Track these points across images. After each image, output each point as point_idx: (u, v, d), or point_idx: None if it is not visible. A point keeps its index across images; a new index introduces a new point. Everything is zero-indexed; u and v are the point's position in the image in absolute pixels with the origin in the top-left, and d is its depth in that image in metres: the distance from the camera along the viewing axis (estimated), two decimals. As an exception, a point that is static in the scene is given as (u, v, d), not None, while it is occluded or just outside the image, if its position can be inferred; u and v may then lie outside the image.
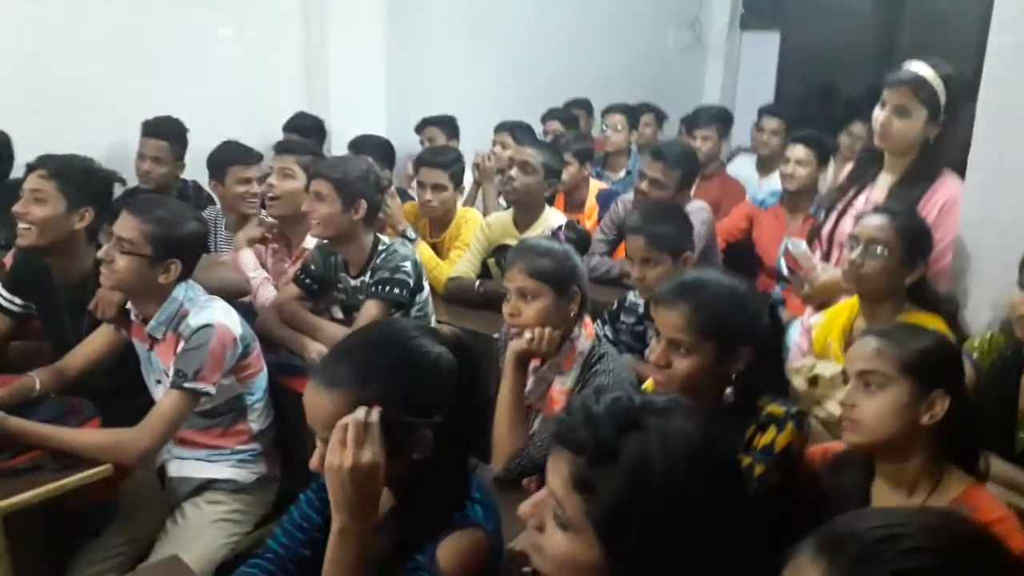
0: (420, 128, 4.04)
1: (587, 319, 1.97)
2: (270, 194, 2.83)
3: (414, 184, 4.03)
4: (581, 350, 1.89)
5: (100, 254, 1.99)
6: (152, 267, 1.97)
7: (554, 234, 2.58)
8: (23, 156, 2.87)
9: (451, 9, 4.59)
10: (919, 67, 2.26)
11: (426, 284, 2.59)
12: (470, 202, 3.75)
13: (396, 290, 2.42)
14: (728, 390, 1.62)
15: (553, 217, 3.01)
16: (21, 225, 2.19)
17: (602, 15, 5.37)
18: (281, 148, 2.93)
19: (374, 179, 2.49)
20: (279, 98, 3.94)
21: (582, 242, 2.59)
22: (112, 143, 3.43)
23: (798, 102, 5.67)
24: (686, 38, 6.12)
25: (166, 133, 3.32)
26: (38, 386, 2.07)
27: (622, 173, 4.27)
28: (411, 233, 3.09)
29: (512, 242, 2.98)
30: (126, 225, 1.95)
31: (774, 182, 3.80)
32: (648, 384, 1.83)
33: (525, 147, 3.05)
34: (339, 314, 2.65)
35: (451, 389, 1.24)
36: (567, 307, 1.85)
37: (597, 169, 3.96)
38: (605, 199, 3.53)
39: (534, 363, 1.91)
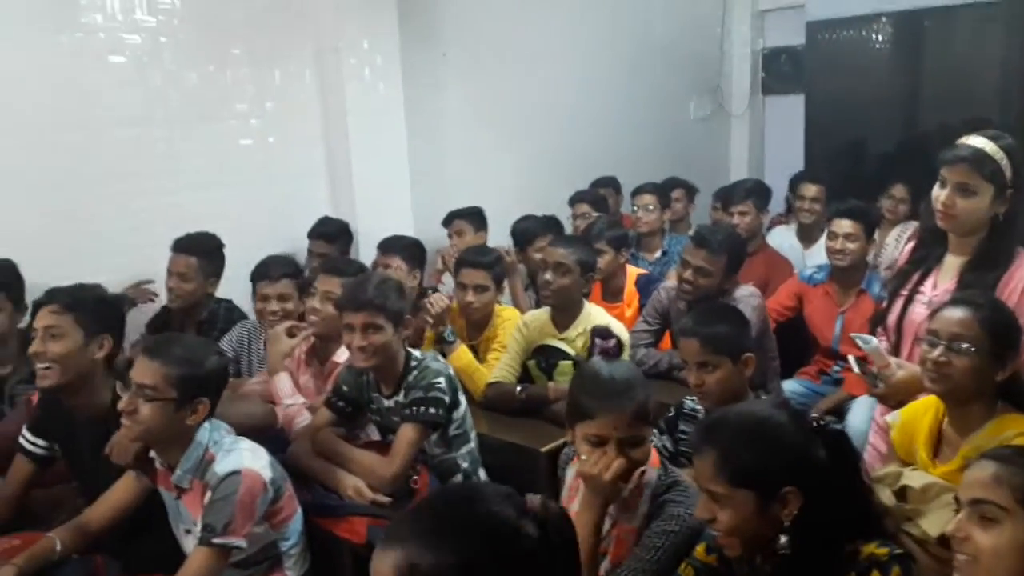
0: (447, 221, 3.95)
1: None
2: (312, 316, 2.70)
3: (443, 279, 3.96)
4: (648, 481, 1.71)
5: (121, 406, 1.87)
6: (178, 410, 1.87)
7: (603, 351, 2.43)
8: (46, 281, 2.83)
9: (467, 99, 4.56)
10: (978, 141, 2.10)
11: (462, 398, 2.45)
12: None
13: (432, 410, 2.28)
14: (783, 539, 1.41)
15: (594, 313, 2.86)
16: (40, 366, 2.10)
17: (622, 92, 5.33)
18: (326, 269, 2.82)
19: (395, 290, 2.38)
20: (304, 203, 3.89)
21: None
22: (140, 263, 3.38)
23: (828, 162, 5.54)
24: (708, 107, 6.06)
25: (194, 248, 3.25)
26: (59, 547, 1.94)
27: (658, 254, 4.13)
28: (449, 335, 2.96)
29: (552, 342, 2.85)
30: (146, 371, 1.85)
31: (819, 253, 3.63)
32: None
33: (557, 247, 2.93)
34: (375, 436, 2.51)
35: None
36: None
37: (631, 252, 3.82)
38: (644, 284, 3.39)
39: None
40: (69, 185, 3.23)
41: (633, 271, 3.52)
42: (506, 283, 3.61)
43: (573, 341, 2.82)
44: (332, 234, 3.68)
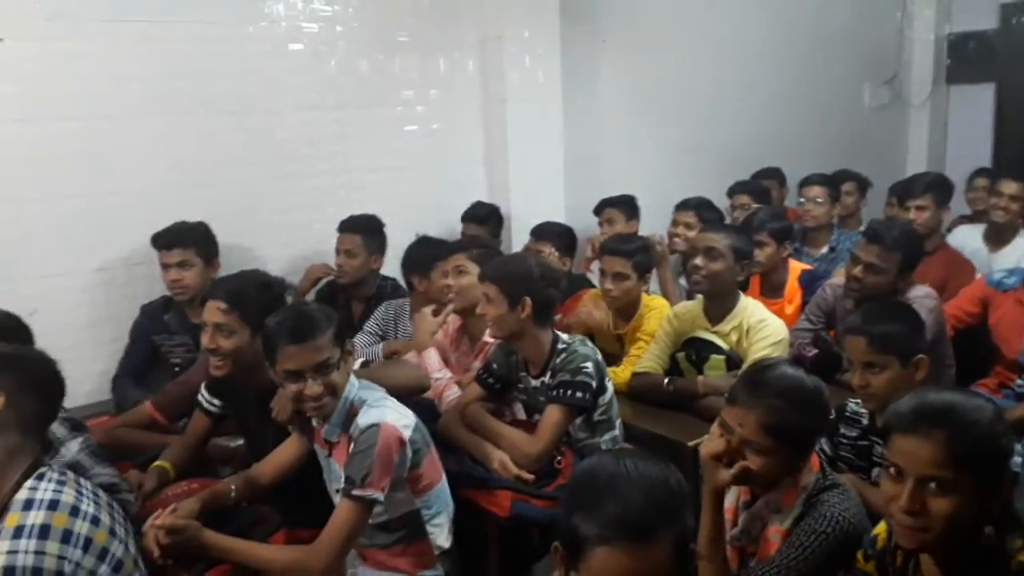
0: (599, 210, 3.92)
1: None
2: (449, 293, 2.81)
3: (591, 268, 3.94)
4: (804, 484, 1.63)
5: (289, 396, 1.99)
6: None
7: (799, 359, 2.31)
8: (234, 249, 3.08)
9: (627, 86, 4.51)
10: None
11: (609, 385, 2.43)
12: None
13: (579, 394, 2.28)
14: (987, 529, 1.33)
15: (751, 307, 2.74)
16: (212, 360, 2.24)
17: (790, 78, 5.09)
18: (454, 248, 2.96)
19: (540, 273, 2.40)
20: (462, 188, 4.00)
21: (832, 359, 2.22)
22: (309, 240, 3.60)
23: (1022, 158, 5.04)
24: (884, 96, 5.68)
25: (359, 228, 3.42)
26: (233, 493, 2.09)
27: (824, 249, 3.89)
28: None
29: (703, 335, 2.76)
30: (295, 359, 1.92)
31: (1009, 257, 3.30)
32: (880, 528, 1.54)
33: (708, 231, 2.83)
34: (521, 414, 2.55)
35: None
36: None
37: (795, 246, 3.62)
38: (808, 281, 3.20)
39: (743, 496, 1.68)
40: (249, 165, 3.48)
41: (796, 266, 3.34)
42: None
43: (727, 335, 2.71)
44: (483, 217, 3.77)
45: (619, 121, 4.48)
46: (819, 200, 3.90)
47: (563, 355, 2.34)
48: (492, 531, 2.15)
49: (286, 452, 2.15)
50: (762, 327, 2.64)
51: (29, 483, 1.58)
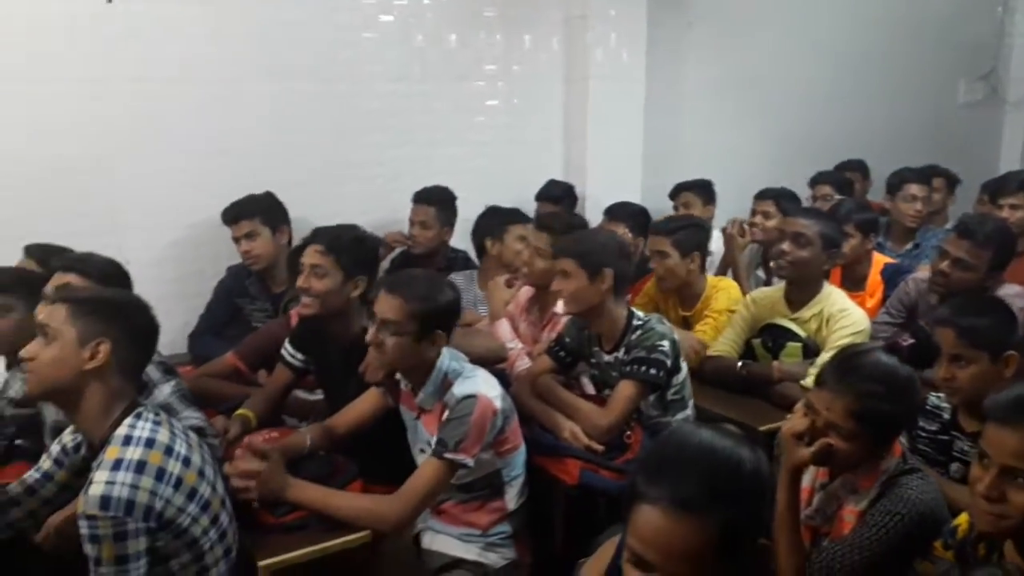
0: (674, 194, 3.89)
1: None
2: (524, 268, 2.85)
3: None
4: (885, 468, 1.61)
5: (368, 338, 2.05)
6: (418, 342, 2.01)
7: (894, 347, 2.26)
8: (312, 216, 3.16)
9: (712, 70, 4.45)
10: None
11: (684, 364, 2.42)
12: (721, 272, 3.52)
13: (653, 371, 2.28)
14: None
15: (834, 295, 2.69)
16: (304, 298, 2.35)
17: (882, 69, 4.94)
18: (538, 226, 2.95)
19: (617, 247, 2.40)
20: (539, 166, 4.02)
21: (928, 350, 2.17)
22: (386, 209, 3.67)
23: None
24: (979, 92, 5.46)
25: (434, 199, 3.48)
26: (308, 442, 2.17)
27: (908, 246, 3.78)
28: None
29: (782, 322, 2.72)
30: (389, 307, 1.99)
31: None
32: (962, 518, 1.51)
33: (798, 217, 2.78)
34: (590, 388, 2.56)
35: None
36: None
37: (878, 240, 3.53)
38: (891, 275, 3.13)
39: (820, 478, 1.66)
40: (335, 133, 3.57)
41: (880, 259, 3.26)
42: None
43: (806, 322, 2.67)
44: (557, 196, 3.78)
45: (701, 105, 4.43)
46: (918, 197, 3.76)
47: (639, 332, 2.34)
48: (559, 497, 2.18)
49: (364, 405, 2.22)
50: (844, 316, 2.60)
51: (128, 421, 1.66)
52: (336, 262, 2.31)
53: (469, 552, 2.08)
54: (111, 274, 2.30)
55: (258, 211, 3.12)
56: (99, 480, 1.55)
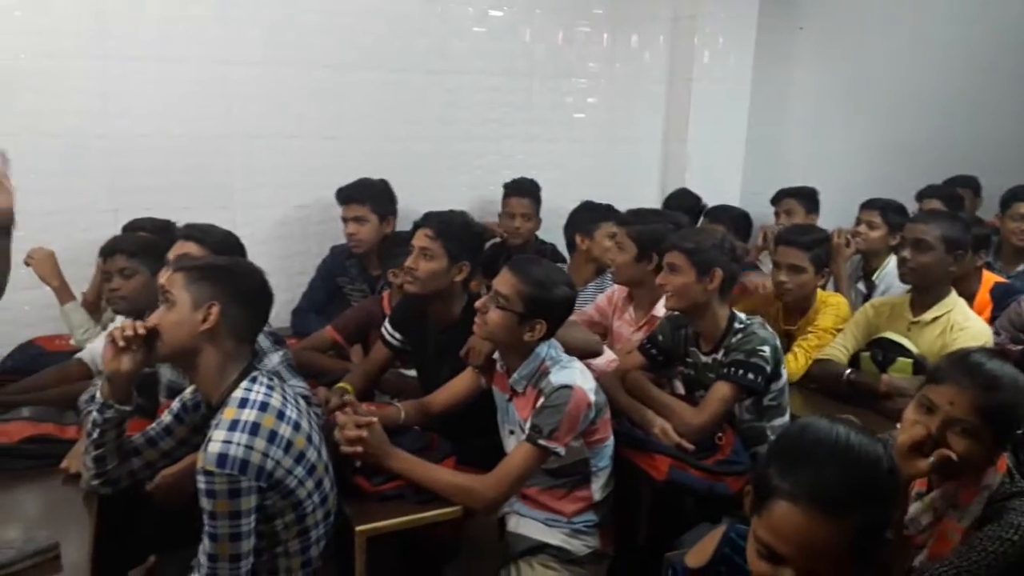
0: (777, 199, 3.83)
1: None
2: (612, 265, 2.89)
3: (760, 258, 3.85)
4: (988, 483, 1.56)
5: (478, 304, 2.11)
6: (520, 324, 2.05)
7: (1003, 352, 2.18)
8: (414, 204, 3.25)
9: (821, 76, 4.36)
10: None
11: (784, 372, 2.39)
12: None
13: (751, 375, 2.26)
14: None
15: (959, 306, 2.61)
16: (408, 277, 2.44)
17: (1000, 83, 4.73)
18: (614, 215, 3.03)
19: (728, 248, 2.38)
20: (635, 164, 4.02)
21: None
22: (483, 200, 3.74)
23: None
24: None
25: (532, 191, 3.53)
26: (402, 416, 2.25)
27: (1020, 267, 3.61)
28: None
29: (894, 336, 2.63)
30: (505, 281, 2.06)
31: None
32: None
33: (918, 222, 2.69)
34: (680, 389, 2.56)
35: None
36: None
37: (988, 259, 3.38)
38: (1001, 295, 3.00)
39: (917, 487, 1.62)
40: (439, 123, 3.66)
41: (990, 277, 3.13)
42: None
43: (928, 324, 2.60)
44: (685, 208, 3.69)
45: (808, 111, 4.34)
46: None
47: (740, 335, 2.32)
48: (646, 492, 2.19)
49: (460, 384, 2.29)
50: (967, 325, 2.54)
51: (244, 384, 1.75)
52: (442, 247, 2.39)
53: (554, 537, 2.11)
54: (226, 244, 2.42)
55: (369, 198, 3.21)
56: (217, 439, 1.63)
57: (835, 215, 3.83)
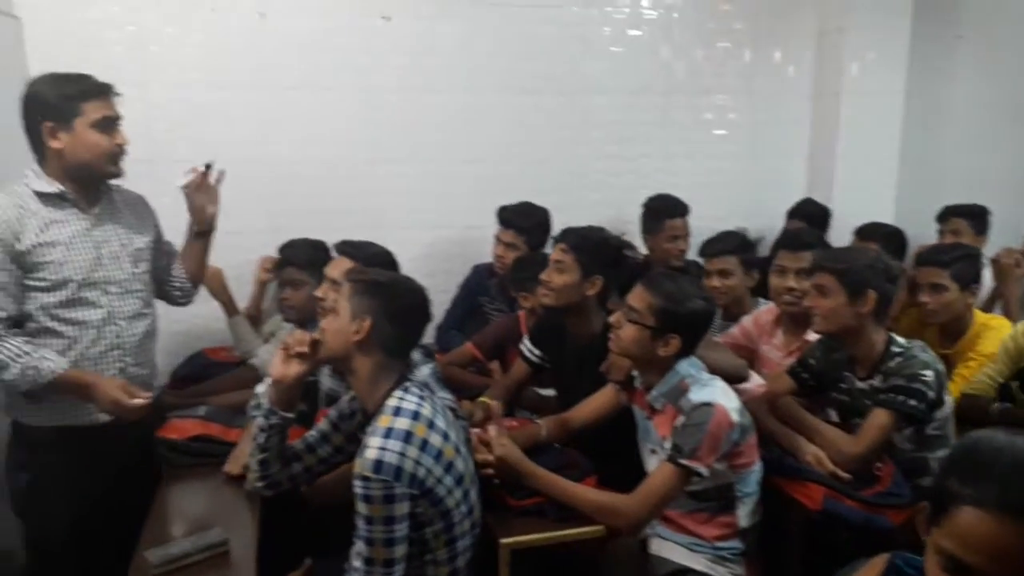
0: (942, 217, 3.57)
1: None
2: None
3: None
4: None
5: (612, 319, 2.12)
6: (653, 339, 2.03)
7: None
8: (553, 224, 3.28)
9: (980, 87, 4.08)
10: None
11: (948, 399, 2.23)
12: (987, 308, 3.19)
13: (912, 401, 2.12)
14: None
15: None
16: (543, 289, 2.49)
17: None
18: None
19: (883, 268, 2.25)
20: (779, 181, 3.90)
21: None
22: (620, 219, 3.71)
23: None
24: None
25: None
26: (544, 434, 2.26)
27: None
28: None
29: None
30: (637, 296, 2.06)
31: None
32: None
33: None
34: (834, 417, 2.43)
35: None
36: None
37: None
38: None
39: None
40: (576, 143, 3.68)
41: None
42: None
43: None
44: (812, 214, 3.60)
45: (969, 125, 4.07)
46: None
47: (899, 358, 2.20)
48: (798, 523, 2.09)
49: (601, 400, 2.28)
50: None
51: (397, 393, 1.82)
52: (576, 260, 2.42)
53: (697, 562, 2.05)
54: (378, 259, 2.50)
55: (527, 230, 3.17)
56: (372, 445, 1.70)
57: (1000, 234, 3.55)
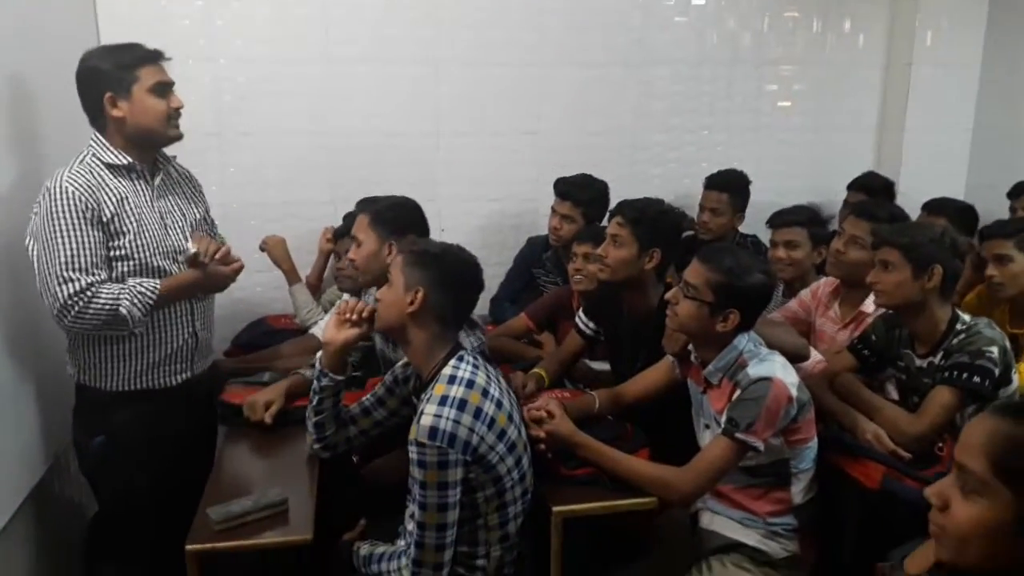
0: (1015, 193, 3.43)
1: None
2: (831, 258, 2.71)
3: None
4: None
5: (668, 295, 2.09)
6: (712, 314, 2.00)
7: None
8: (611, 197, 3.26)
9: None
10: None
11: (1015, 378, 2.15)
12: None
13: (976, 378, 2.06)
14: None
15: None
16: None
17: None
18: (858, 211, 2.73)
19: (949, 243, 2.18)
20: (845, 154, 3.80)
21: None
22: (679, 193, 3.67)
23: None
24: None
25: (726, 185, 3.41)
26: (597, 405, 2.27)
27: None
28: None
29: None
30: (694, 272, 2.02)
31: None
32: None
33: None
34: (893, 394, 2.38)
35: None
36: None
37: None
38: None
39: None
40: (637, 115, 3.65)
41: None
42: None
43: None
44: (874, 188, 3.50)
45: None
46: None
47: (962, 335, 2.13)
48: (855, 501, 2.05)
49: (655, 375, 2.27)
50: None
51: (452, 362, 1.85)
52: (633, 233, 2.38)
53: (749, 537, 2.04)
54: (394, 209, 2.45)
55: (584, 202, 3.13)
56: (428, 412, 1.73)
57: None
